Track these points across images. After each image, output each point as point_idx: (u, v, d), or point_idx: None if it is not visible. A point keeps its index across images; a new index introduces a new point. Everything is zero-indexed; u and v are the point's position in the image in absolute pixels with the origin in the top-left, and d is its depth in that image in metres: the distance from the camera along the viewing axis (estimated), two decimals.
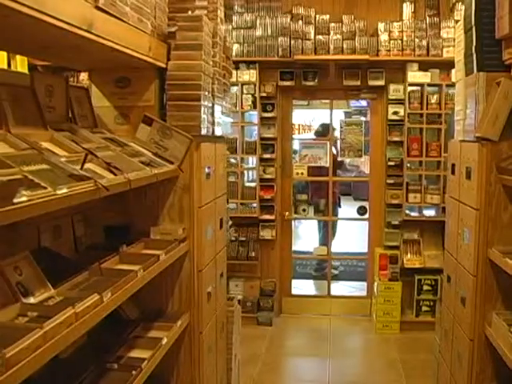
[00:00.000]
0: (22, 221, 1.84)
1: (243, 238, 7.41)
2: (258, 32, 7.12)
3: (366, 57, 6.87)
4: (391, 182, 7.13)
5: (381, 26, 6.91)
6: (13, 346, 1.63)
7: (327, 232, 8.25)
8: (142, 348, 3.00)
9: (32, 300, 2.18)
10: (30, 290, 2.22)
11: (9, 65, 5.45)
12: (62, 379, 2.53)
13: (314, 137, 8.93)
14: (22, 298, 2.14)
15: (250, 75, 7.20)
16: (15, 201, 1.67)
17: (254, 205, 7.38)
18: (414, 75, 6.91)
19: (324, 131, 8.28)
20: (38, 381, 2.31)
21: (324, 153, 7.80)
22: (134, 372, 2.66)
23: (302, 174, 7.76)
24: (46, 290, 2.27)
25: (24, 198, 1.72)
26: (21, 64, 5.61)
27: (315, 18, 7.06)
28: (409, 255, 7.08)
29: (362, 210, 8.11)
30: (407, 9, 7.01)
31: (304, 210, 8.16)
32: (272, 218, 7.41)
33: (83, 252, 3.02)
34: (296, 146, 8.16)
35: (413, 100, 6.92)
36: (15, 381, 1.63)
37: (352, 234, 10.68)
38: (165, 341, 3.09)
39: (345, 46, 6.95)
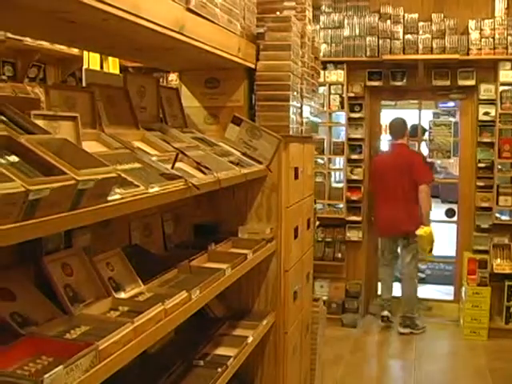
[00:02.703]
0: (114, 218, 1.89)
1: (329, 239, 7.38)
2: (346, 32, 7.08)
3: (456, 56, 6.72)
4: (481, 184, 6.95)
5: (471, 23, 6.75)
6: (105, 339, 1.67)
7: None
8: (228, 346, 3.02)
9: (123, 295, 2.24)
10: (121, 285, 2.27)
11: (101, 66, 5.61)
12: (149, 374, 2.58)
13: None
14: (113, 292, 2.19)
15: (337, 75, 7.17)
16: (109, 198, 1.72)
17: (341, 206, 7.34)
18: (507, 74, 6.72)
19: (411, 132, 7.90)
20: (127, 374, 2.37)
21: None
22: (219, 369, 2.68)
23: None
24: (137, 285, 2.32)
25: (117, 196, 1.77)
26: (112, 65, 5.76)
27: (404, 16, 6.97)
28: (499, 260, 6.89)
29: (450, 213, 7.96)
30: (500, 5, 6.79)
31: None
32: (359, 219, 7.35)
33: (172, 250, 3.07)
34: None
35: (505, 100, 6.74)
36: (107, 373, 1.67)
37: (439, 237, 10.45)
38: (250, 339, 3.10)
39: (434, 45, 6.83)
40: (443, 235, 8.71)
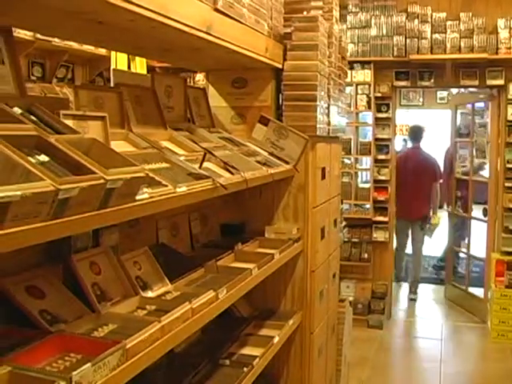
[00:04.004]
0: (142, 217, 1.90)
1: (356, 240, 7.35)
2: (373, 31, 7.04)
3: (485, 55, 6.65)
4: (510, 185, 6.88)
5: (501, 22, 6.67)
6: (132, 338, 1.69)
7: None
8: (254, 346, 3.02)
9: (150, 294, 2.25)
10: (148, 284, 2.29)
11: (128, 66, 5.64)
12: (176, 372, 2.59)
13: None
14: (141, 291, 2.20)
15: (364, 75, 7.14)
16: (137, 198, 1.74)
17: (368, 206, 7.31)
18: None
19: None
20: (153, 372, 2.38)
21: None
22: (245, 369, 2.69)
23: None
24: (164, 284, 2.34)
25: (146, 195, 1.78)
26: (140, 65, 5.80)
27: (431, 16, 6.90)
28: None
29: (486, 212, 7.92)
30: None
31: None
32: (385, 219, 7.32)
33: (199, 249, 3.08)
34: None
35: None
36: (134, 371, 1.69)
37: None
38: (276, 339, 3.10)
39: (462, 45, 6.76)
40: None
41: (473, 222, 8.01)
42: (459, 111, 8.37)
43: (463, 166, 8.26)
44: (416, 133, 8.58)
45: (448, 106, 8.79)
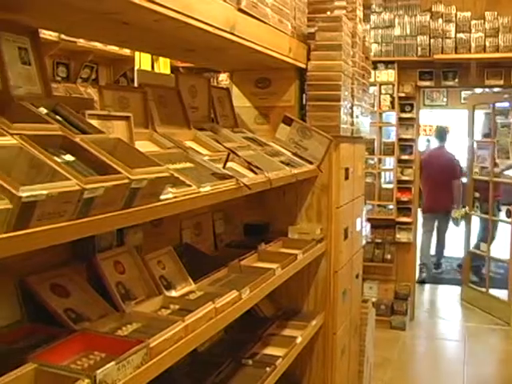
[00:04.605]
0: (166, 217, 1.91)
1: (379, 240, 7.31)
2: (397, 31, 7.00)
3: (510, 55, 6.57)
4: None
5: None
6: (156, 337, 1.70)
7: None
8: (277, 346, 3.01)
9: (174, 293, 2.26)
10: (172, 283, 2.30)
11: (152, 67, 5.67)
12: (199, 371, 2.59)
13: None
14: (164, 290, 2.22)
15: (388, 75, 7.10)
16: (162, 197, 1.74)
17: (391, 206, 7.27)
18: None
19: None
20: (176, 371, 2.39)
21: None
22: (268, 369, 2.68)
23: None
24: (187, 284, 2.35)
25: (170, 195, 1.79)
26: (163, 66, 5.82)
27: (456, 15, 6.84)
28: None
29: (510, 214, 7.88)
30: None
31: None
32: (409, 220, 7.28)
33: (222, 249, 3.08)
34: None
35: None
36: (157, 370, 1.69)
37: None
38: (299, 340, 3.10)
39: (487, 44, 6.69)
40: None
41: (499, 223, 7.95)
42: (482, 111, 8.32)
43: (483, 168, 8.19)
44: (441, 133, 9.33)
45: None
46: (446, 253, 9.84)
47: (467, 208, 8.41)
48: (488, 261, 7.99)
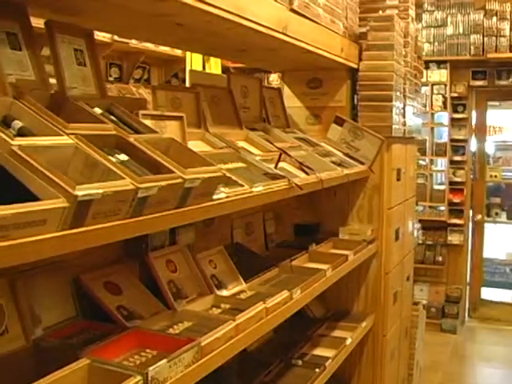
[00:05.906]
0: (217, 216, 1.91)
1: (430, 242, 7.24)
2: (449, 30, 6.91)
3: None
4: None
5: None
6: (207, 336, 1.70)
7: None
8: (326, 347, 3.01)
9: (225, 293, 2.27)
10: (223, 282, 2.31)
11: (203, 67, 5.70)
12: (248, 371, 2.60)
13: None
14: (216, 290, 2.23)
15: (440, 75, 7.01)
16: (214, 197, 1.75)
17: (443, 208, 7.18)
18: None
19: None
20: (226, 370, 2.40)
21: None
22: (317, 370, 2.68)
23: (496, 176, 7.51)
24: (238, 283, 2.35)
25: (223, 195, 1.80)
26: (214, 66, 5.84)
27: (511, 13, 6.71)
28: None
29: None
30: None
31: (497, 214, 7.92)
32: (461, 222, 7.17)
33: (273, 249, 3.09)
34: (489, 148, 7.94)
35: None
36: (208, 368, 1.70)
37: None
38: (349, 341, 3.08)
39: None
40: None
41: None
42: None
43: None
44: None
45: None
46: None
47: None
48: None
